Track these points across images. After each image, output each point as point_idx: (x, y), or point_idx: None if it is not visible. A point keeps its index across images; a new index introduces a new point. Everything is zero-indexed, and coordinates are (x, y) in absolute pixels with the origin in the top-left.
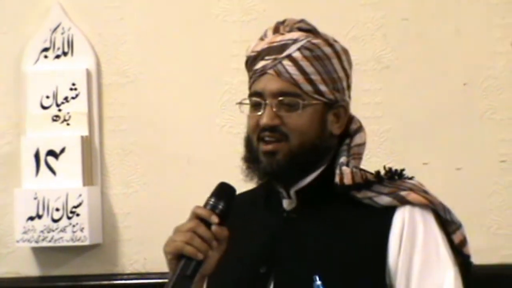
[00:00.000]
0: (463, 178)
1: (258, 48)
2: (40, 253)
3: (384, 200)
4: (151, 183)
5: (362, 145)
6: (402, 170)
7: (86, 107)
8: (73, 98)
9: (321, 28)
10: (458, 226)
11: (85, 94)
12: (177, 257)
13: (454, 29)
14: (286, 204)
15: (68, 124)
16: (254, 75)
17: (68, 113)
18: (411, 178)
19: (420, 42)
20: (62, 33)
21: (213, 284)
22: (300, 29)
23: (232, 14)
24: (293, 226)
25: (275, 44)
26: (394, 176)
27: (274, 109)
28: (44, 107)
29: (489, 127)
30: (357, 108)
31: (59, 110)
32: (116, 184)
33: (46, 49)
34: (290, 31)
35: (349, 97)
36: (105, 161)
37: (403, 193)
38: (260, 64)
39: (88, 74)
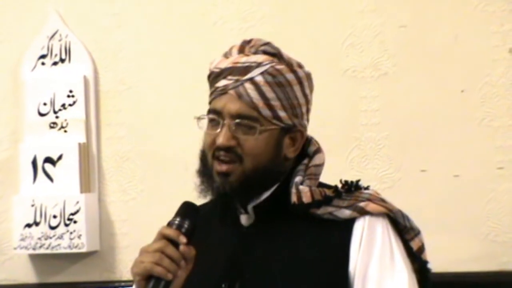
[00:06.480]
0: (461, 185)
1: (222, 66)
2: (38, 260)
3: (345, 213)
4: (148, 190)
5: (321, 165)
6: (358, 181)
7: (83, 114)
8: (70, 105)
9: (320, 35)
10: (417, 233)
11: (83, 101)
12: (146, 278)
13: (452, 36)
14: (243, 219)
15: (65, 131)
16: (215, 92)
17: (65, 120)
18: (367, 188)
19: (418, 49)
20: (60, 40)
21: None
22: (265, 52)
23: (230, 21)
24: (253, 241)
25: (239, 64)
26: (351, 188)
27: (231, 130)
28: (41, 114)
29: (487, 134)
30: (354, 115)
31: (57, 117)
32: (114, 191)
33: (43, 56)
34: (255, 53)
35: (308, 120)
36: (102, 168)
37: (361, 204)
38: (222, 83)
39: (86, 81)
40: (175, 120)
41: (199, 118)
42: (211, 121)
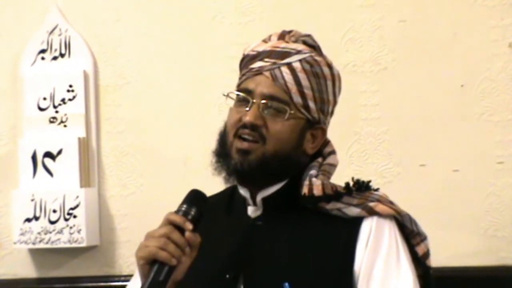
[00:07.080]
0: (461, 180)
1: (259, 49)
2: (37, 254)
3: (353, 211)
4: (148, 185)
5: (334, 166)
6: (369, 181)
7: (83, 109)
8: (70, 99)
9: (319, 30)
10: (423, 238)
11: (82, 95)
12: (150, 262)
13: (452, 31)
14: (251, 211)
15: (65, 126)
16: (249, 73)
17: (65, 114)
18: (376, 190)
19: (417, 43)
20: (59, 35)
21: None
22: (305, 43)
23: (229, 16)
24: (260, 233)
25: (278, 49)
26: (361, 188)
27: (260, 110)
28: (41, 109)
29: (486, 129)
30: (354, 109)
31: (56, 111)
32: (113, 186)
33: (43, 51)
34: (296, 41)
35: (329, 122)
36: (102, 163)
37: (371, 204)
38: (258, 64)
39: (85, 75)
40: (175, 114)
41: (227, 95)
42: (239, 99)
